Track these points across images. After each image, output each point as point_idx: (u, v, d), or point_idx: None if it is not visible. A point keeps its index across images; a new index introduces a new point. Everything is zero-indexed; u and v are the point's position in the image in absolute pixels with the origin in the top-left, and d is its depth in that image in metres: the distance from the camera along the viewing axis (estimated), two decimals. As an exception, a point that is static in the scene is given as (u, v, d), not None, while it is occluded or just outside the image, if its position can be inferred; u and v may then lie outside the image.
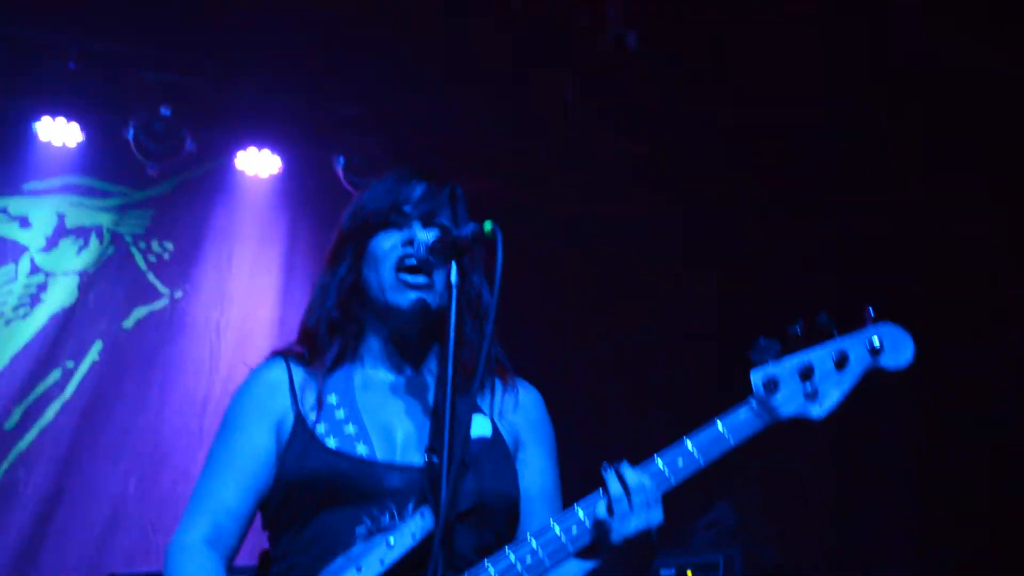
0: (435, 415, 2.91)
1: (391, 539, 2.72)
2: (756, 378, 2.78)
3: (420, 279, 2.95)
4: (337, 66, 7.28)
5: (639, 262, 7.83)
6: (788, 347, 2.81)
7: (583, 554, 2.77)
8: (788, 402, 2.77)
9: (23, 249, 7.40)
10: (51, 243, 7.46)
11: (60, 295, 7.41)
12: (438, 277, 2.94)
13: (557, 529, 2.70)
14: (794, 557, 6.42)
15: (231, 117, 7.55)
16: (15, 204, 7.41)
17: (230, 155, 7.70)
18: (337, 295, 3.04)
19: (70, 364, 7.35)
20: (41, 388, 7.28)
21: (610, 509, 2.69)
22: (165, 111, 7.27)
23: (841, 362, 2.76)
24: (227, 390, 7.11)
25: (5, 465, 7.12)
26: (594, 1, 6.81)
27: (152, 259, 7.64)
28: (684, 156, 7.49)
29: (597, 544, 2.73)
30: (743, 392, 2.81)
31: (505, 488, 2.93)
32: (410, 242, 2.95)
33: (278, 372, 3.02)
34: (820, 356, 2.78)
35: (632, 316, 7.80)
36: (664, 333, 7.71)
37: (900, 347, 2.77)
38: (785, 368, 2.78)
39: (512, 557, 2.69)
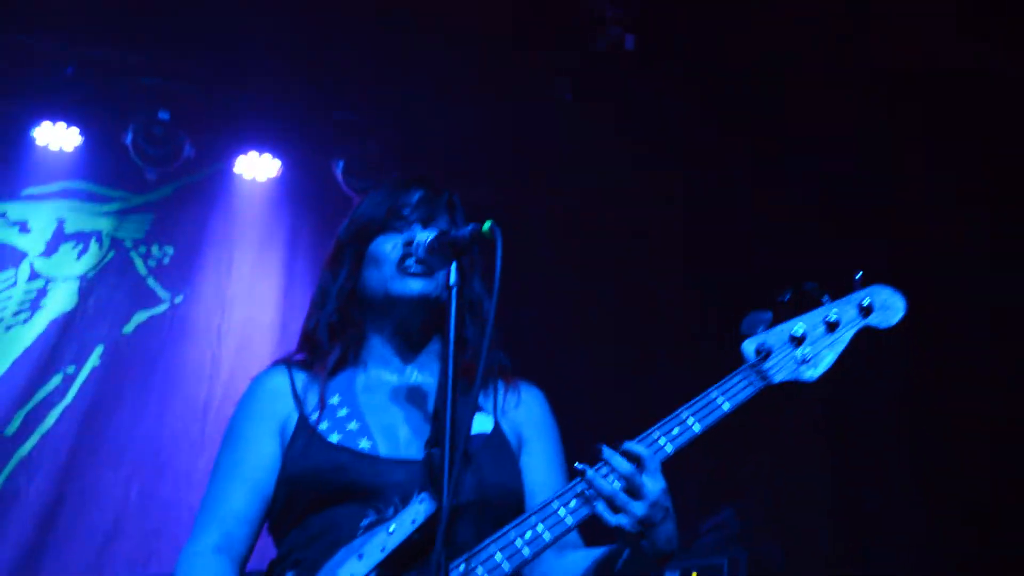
0: (437, 414, 2.90)
1: (391, 526, 2.72)
2: (748, 347, 2.82)
3: (421, 270, 2.96)
4: (336, 70, 7.30)
5: (638, 260, 7.82)
6: (779, 317, 2.84)
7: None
8: (781, 367, 2.79)
9: (23, 255, 7.40)
10: (51, 248, 7.46)
11: (60, 300, 7.41)
12: (439, 275, 2.96)
13: (557, 503, 2.69)
14: (798, 560, 6.39)
15: (230, 121, 7.57)
16: (14, 209, 7.42)
17: (229, 159, 7.71)
18: (337, 300, 3.08)
19: (71, 370, 7.34)
20: (42, 394, 7.26)
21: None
22: (164, 115, 7.28)
23: (832, 325, 2.79)
24: (228, 395, 7.15)
25: (6, 472, 7.09)
26: (592, 3, 6.82)
27: (152, 264, 7.64)
28: (682, 154, 7.48)
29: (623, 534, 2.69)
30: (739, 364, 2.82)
31: (506, 481, 2.93)
32: (410, 243, 2.96)
33: (280, 378, 3.05)
34: (811, 321, 2.81)
35: (630, 312, 7.79)
36: (664, 329, 7.69)
37: (890, 306, 2.80)
38: (776, 335, 2.81)
39: (512, 533, 2.68)
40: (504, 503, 2.90)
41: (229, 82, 7.45)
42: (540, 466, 3.04)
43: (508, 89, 7.30)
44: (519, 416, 3.07)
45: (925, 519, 6.62)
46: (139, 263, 7.61)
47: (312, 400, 2.98)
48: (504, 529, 2.69)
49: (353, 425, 2.92)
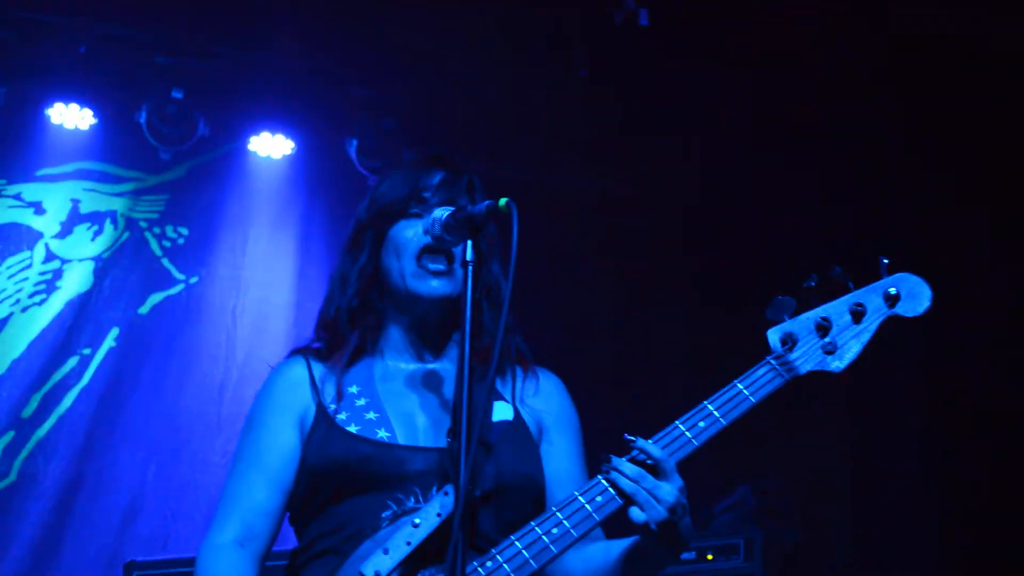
0: (456, 402, 2.84)
1: (416, 519, 2.70)
2: (773, 336, 2.77)
3: (441, 265, 2.95)
4: (350, 48, 7.26)
5: (655, 238, 7.78)
6: (804, 304, 2.80)
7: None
8: (806, 357, 2.75)
9: (38, 235, 7.38)
10: (66, 229, 7.44)
11: (76, 281, 7.39)
12: (458, 261, 2.91)
13: (581, 499, 2.67)
14: (814, 539, 6.37)
15: (244, 100, 7.52)
16: (29, 190, 7.39)
17: (243, 138, 7.67)
18: (357, 284, 3.05)
19: (87, 351, 7.33)
20: (58, 375, 7.26)
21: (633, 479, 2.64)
22: (177, 94, 7.24)
23: (858, 314, 2.74)
24: (244, 376, 7.14)
25: (24, 453, 7.09)
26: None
27: (167, 244, 7.61)
28: (697, 133, 7.43)
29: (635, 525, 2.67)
30: (763, 354, 2.79)
31: (527, 469, 2.91)
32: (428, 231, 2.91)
33: (298, 369, 3.04)
34: (837, 310, 2.77)
35: (648, 292, 7.76)
36: (682, 308, 7.66)
37: (917, 295, 2.75)
38: (801, 324, 2.76)
39: (538, 530, 2.66)
40: (526, 492, 2.89)
41: (243, 60, 7.42)
42: (561, 456, 3.02)
43: (523, 65, 7.25)
44: (538, 404, 3.05)
45: (939, 504, 6.60)
46: (154, 244, 7.59)
47: (330, 390, 2.96)
48: (529, 525, 2.67)
49: (371, 415, 2.90)
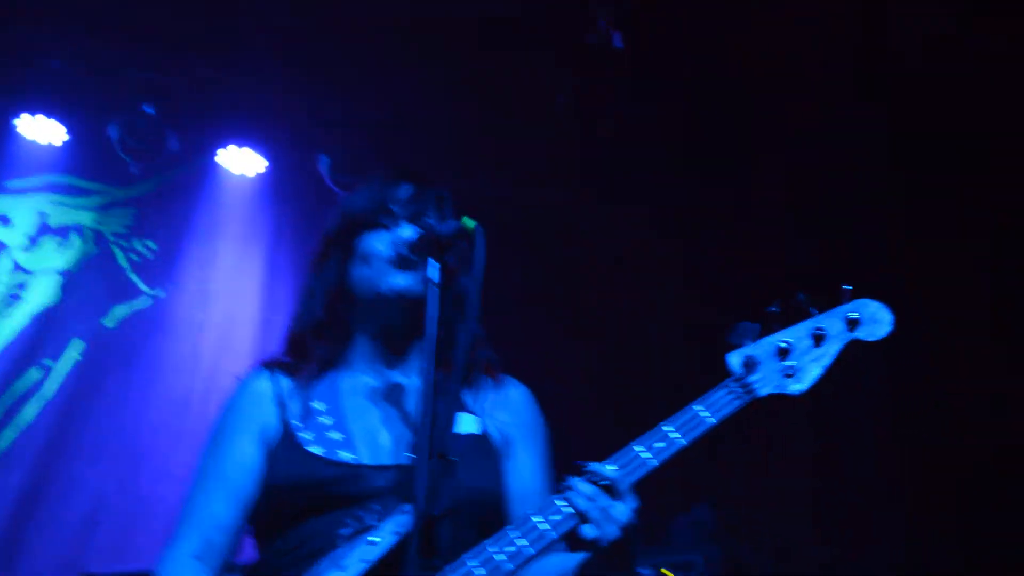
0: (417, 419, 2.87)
1: (373, 537, 2.69)
2: (734, 359, 2.80)
3: (409, 268, 2.93)
4: (322, 65, 7.27)
5: (623, 259, 7.82)
6: (767, 329, 2.82)
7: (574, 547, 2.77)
8: (766, 381, 2.77)
9: (4, 247, 7.37)
10: (33, 242, 7.42)
11: (41, 294, 7.38)
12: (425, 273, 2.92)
13: (538, 517, 2.67)
14: (771, 556, 6.42)
15: (215, 116, 7.56)
16: (-4, 202, 7.39)
17: (213, 154, 7.70)
18: (324, 297, 3.04)
19: (51, 363, 7.30)
20: (20, 387, 7.23)
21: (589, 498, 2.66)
22: (148, 109, 7.25)
23: (819, 338, 2.78)
24: (209, 389, 7.12)
25: (-16, 463, 7.08)
26: (581, 1, 6.82)
27: (134, 258, 7.61)
28: (667, 155, 7.49)
29: (583, 538, 2.69)
30: (724, 377, 2.81)
31: (488, 485, 2.92)
32: (396, 243, 2.94)
33: (263, 383, 3.02)
34: (798, 334, 2.80)
35: (614, 313, 7.79)
36: (647, 328, 7.69)
37: (878, 320, 2.78)
38: (763, 348, 2.79)
39: (491, 549, 2.66)
40: (486, 508, 2.89)
41: (214, 76, 7.42)
42: (525, 469, 3.02)
43: (496, 86, 7.28)
44: (505, 416, 3.05)
45: (904, 516, 6.65)
46: (121, 257, 7.58)
47: (295, 407, 2.95)
48: (483, 544, 2.67)
49: (335, 435, 2.90)
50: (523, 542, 2.65)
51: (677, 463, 2.73)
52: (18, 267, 7.35)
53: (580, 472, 2.68)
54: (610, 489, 2.65)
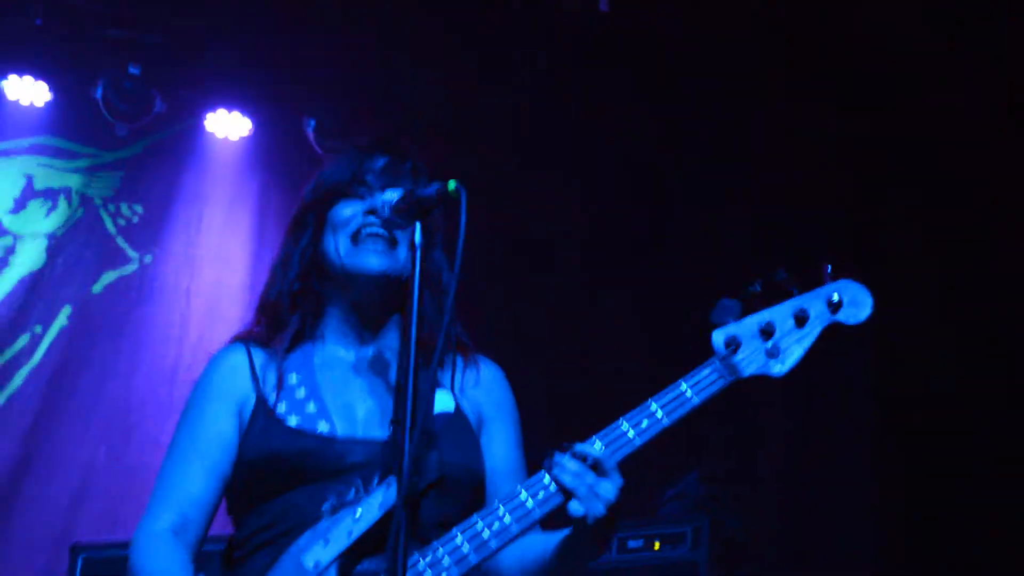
0: (397, 390, 2.88)
1: (358, 511, 2.69)
2: (718, 338, 2.76)
3: (380, 246, 2.94)
4: (308, 28, 7.21)
5: (606, 233, 7.77)
6: (748, 307, 2.79)
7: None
8: (750, 361, 2.74)
9: (-10, 211, 7.32)
10: (19, 205, 7.37)
11: (28, 258, 7.32)
12: (400, 245, 2.94)
13: (524, 494, 2.67)
14: (760, 527, 6.43)
15: (201, 77, 7.47)
16: (-19, 166, 7.32)
17: (200, 116, 7.62)
18: (298, 266, 3.05)
19: (38, 329, 7.27)
20: (8, 354, 7.19)
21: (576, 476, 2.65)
22: (134, 70, 7.19)
23: (801, 319, 2.74)
24: (197, 357, 7.09)
25: (-28, 433, 7.05)
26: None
27: (121, 222, 7.55)
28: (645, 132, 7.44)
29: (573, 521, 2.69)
30: (707, 355, 2.77)
31: (468, 461, 2.93)
32: (372, 211, 2.94)
33: (238, 356, 3.02)
34: (780, 314, 2.76)
35: (593, 290, 7.75)
36: (628, 306, 7.65)
37: (859, 302, 2.75)
38: (746, 327, 2.76)
39: (480, 523, 2.67)
40: (466, 484, 2.90)
41: (200, 37, 7.34)
42: (500, 447, 3.04)
43: (482, 49, 7.23)
44: (479, 395, 3.06)
45: (878, 497, 6.67)
46: (108, 221, 7.52)
47: (270, 379, 2.95)
48: (472, 518, 2.68)
49: (311, 407, 2.90)
50: (509, 519, 2.66)
51: (665, 435, 2.72)
52: (4, 231, 7.30)
53: (564, 450, 2.67)
54: (596, 467, 2.64)
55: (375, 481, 2.75)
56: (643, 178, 7.59)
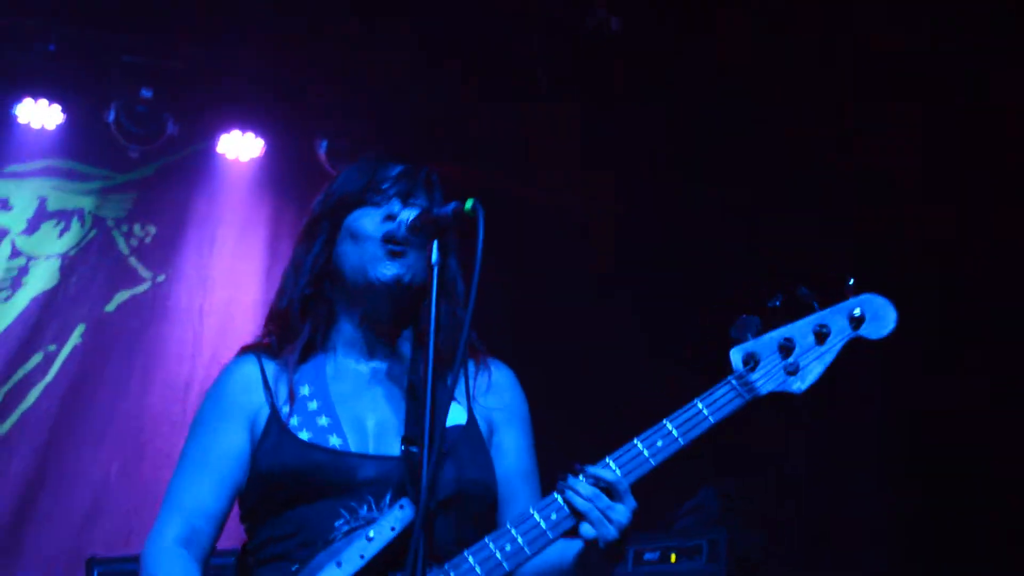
0: (409, 403, 2.88)
1: (371, 532, 2.70)
2: (735, 355, 2.75)
3: (395, 258, 2.92)
4: (320, 50, 7.25)
5: (613, 246, 7.79)
6: (768, 323, 2.76)
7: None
8: (768, 378, 2.72)
9: (4, 232, 7.36)
10: (32, 226, 7.42)
11: (42, 278, 7.37)
12: (417, 257, 2.92)
13: (537, 516, 2.68)
14: (778, 540, 6.42)
15: (213, 100, 7.52)
16: (-4, 187, 7.37)
17: (212, 138, 7.67)
18: (310, 273, 3.01)
19: (52, 348, 7.31)
20: (22, 372, 7.23)
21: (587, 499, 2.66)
22: (147, 93, 7.25)
23: (822, 335, 2.72)
24: (209, 375, 7.02)
25: (-14, 450, 7.07)
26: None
27: (134, 243, 7.60)
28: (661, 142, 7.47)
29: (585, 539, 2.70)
30: (725, 372, 2.77)
31: (482, 476, 2.91)
32: (391, 217, 2.92)
33: (250, 367, 3.00)
34: (801, 330, 2.74)
35: (609, 300, 7.76)
36: (643, 317, 7.66)
37: (882, 317, 2.73)
38: (764, 344, 2.74)
39: (492, 546, 2.67)
40: (481, 500, 2.89)
41: (212, 61, 7.40)
42: (511, 453, 3.02)
43: (494, 71, 7.26)
44: (490, 401, 3.04)
45: (895, 506, 6.67)
46: (121, 242, 7.57)
47: (282, 391, 2.93)
48: (484, 541, 2.69)
49: (324, 420, 2.88)
50: (522, 541, 2.66)
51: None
52: (18, 252, 7.34)
53: (578, 473, 2.67)
54: (609, 491, 2.66)
55: (387, 498, 2.76)
56: (649, 183, 7.61)
